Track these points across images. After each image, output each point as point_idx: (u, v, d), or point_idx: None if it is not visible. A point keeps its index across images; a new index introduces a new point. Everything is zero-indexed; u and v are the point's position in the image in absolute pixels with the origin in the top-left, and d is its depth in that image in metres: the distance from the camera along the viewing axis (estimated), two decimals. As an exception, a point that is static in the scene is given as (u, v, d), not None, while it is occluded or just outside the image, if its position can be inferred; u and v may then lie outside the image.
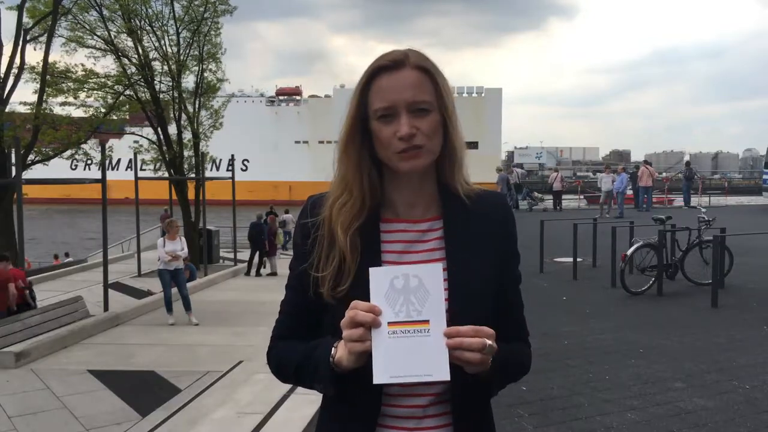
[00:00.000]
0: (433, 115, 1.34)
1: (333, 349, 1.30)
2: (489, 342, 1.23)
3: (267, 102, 69.78)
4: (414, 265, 1.31)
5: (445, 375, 1.21)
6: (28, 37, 13.43)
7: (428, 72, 1.35)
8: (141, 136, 19.69)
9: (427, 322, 1.22)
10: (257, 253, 17.34)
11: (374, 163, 1.39)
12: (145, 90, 18.79)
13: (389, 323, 1.22)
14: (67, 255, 26.40)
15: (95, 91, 17.99)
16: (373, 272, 1.26)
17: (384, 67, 1.35)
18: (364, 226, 1.38)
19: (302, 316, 1.45)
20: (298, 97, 72.17)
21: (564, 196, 27.79)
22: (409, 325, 1.22)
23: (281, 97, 71.95)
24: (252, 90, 71.94)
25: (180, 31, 19.27)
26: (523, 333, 1.51)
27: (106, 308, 11.15)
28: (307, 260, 1.40)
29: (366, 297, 1.25)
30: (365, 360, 1.24)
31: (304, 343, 1.40)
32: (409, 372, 1.21)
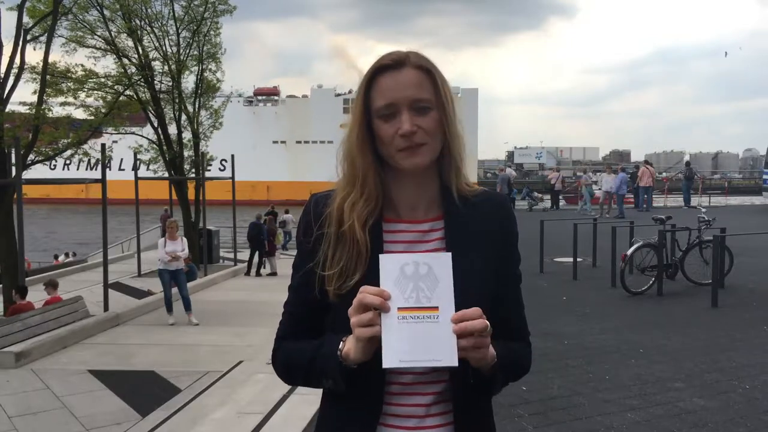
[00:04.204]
0: (433, 114, 1.36)
1: (341, 343, 1.30)
2: (489, 326, 1.24)
3: (245, 102, 69.07)
4: (424, 253, 1.32)
5: (453, 361, 1.21)
6: (28, 37, 13.39)
7: (429, 72, 1.37)
8: (136, 134, 19.65)
9: (436, 308, 1.23)
10: (257, 253, 17.33)
11: (379, 160, 1.40)
12: (145, 90, 18.80)
13: (399, 308, 1.23)
14: (67, 255, 26.39)
15: (95, 91, 17.99)
16: (383, 259, 1.27)
17: (385, 67, 1.36)
18: (372, 222, 1.39)
19: (306, 316, 1.44)
20: (276, 97, 71.21)
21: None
22: (418, 311, 1.23)
23: (259, 97, 71.19)
24: (231, 90, 71.25)
25: (180, 31, 19.28)
26: (524, 333, 1.52)
27: (106, 308, 11.15)
28: (313, 258, 1.40)
29: None
30: (373, 351, 1.24)
31: (310, 342, 1.40)
32: (418, 357, 1.21)
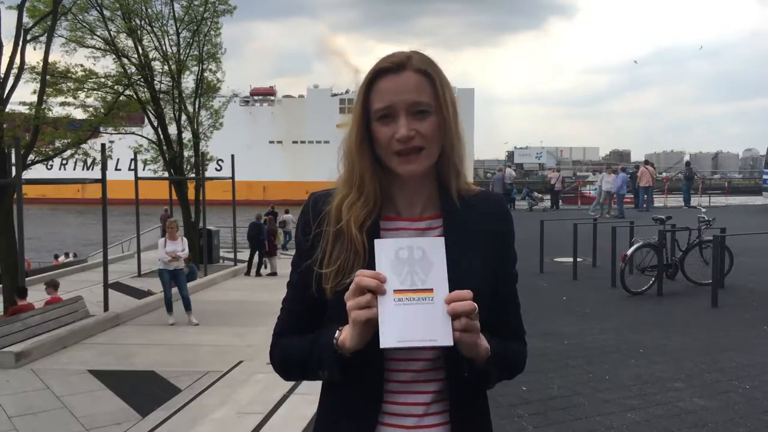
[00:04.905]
0: (432, 118, 1.35)
1: (337, 332, 1.31)
2: (476, 308, 1.26)
3: (241, 102, 68.90)
4: (418, 238, 1.35)
5: (448, 340, 1.23)
6: (28, 37, 13.40)
7: (429, 75, 1.36)
8: (136, 134, 19.65)
9: (431, 290, 1.26)
10: (257, 253, 17.34)
11: (378, 162, 1.40)
12: (145, 90, 18.80)
13: (395, 291, 1.25)
14: (67, 255, 26.39)
15: (95, 91, 18.00)
16: (378, 243, 1.29)
17: (385, 70, 1.36)
18: (370, 223, 1.39)
19: (304, 313, 1.45)
20: (272, 97, 71.02)
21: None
22: (414, 293, 1.26)
23: (255, 97, 70.99)
24: (228, 90, 70.65)
25: (180, 31, 19.28)
26: (520, 332, 1.52)
27: (106, 308, 11.15)
28: (311, 255, 1.41)
29: None
30: (369, 337, 1.26)
31: (307, 336, 1.41)
32: (414, 337, 1.24)
